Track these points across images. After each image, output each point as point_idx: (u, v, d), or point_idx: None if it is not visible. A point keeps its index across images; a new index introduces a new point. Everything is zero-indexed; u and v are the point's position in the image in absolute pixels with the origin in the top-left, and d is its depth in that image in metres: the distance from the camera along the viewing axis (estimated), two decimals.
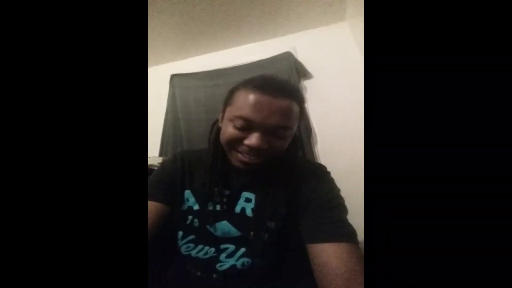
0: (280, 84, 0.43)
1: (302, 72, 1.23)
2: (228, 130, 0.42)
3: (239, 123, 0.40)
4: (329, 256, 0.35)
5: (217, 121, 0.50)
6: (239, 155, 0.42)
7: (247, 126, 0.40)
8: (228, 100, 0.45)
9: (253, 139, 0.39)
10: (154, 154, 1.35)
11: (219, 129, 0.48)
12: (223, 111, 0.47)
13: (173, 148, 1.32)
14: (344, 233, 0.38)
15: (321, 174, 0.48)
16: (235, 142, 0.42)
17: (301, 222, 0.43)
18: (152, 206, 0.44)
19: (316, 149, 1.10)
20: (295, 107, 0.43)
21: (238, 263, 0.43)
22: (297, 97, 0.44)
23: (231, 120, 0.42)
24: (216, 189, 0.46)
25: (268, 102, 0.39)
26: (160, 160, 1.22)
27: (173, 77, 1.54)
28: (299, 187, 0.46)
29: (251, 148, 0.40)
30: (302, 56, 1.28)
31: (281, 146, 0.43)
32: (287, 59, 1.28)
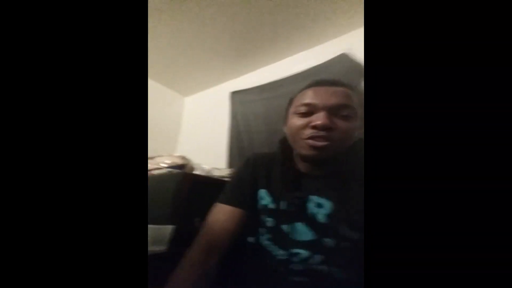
0: (332, 79, 0.49)
1: (362, 73, 1.18)
2: (294, 121, 0.47)
3: (303, 108, 0.45)
4: None
5: (284, 138, 0.55)
6: (308, 141, 0.43)
7: (310, 110, 0.44)
8: (289, 104, 0.53)
9: (319, 118, 0.42)
10: (222, 166, 1.50)
11: (285, 138, 0.53)
12: (286, 117, 0.52)
13: (239, 158, 1.44)
14: None
15: None
16: (302, 129, 0.45)
17: None
18: (230, 211, 0.50)
19: None
20: (353, 93, 0.46)
21: (314, 267, 0.44)
22: (352, 88, 0.47)
23: (294, 112, 0.47)
24: (289, 190, 0.48)
25: (325, 89, 0.45)
26: (228, 171, 1.35)
27: (233, 94, 1.70)
28: None
29: (318, 128, 0.42)
30: (360, 56, 1.22)
31: (347, 130, 0.43)
32: (344, 60, 1.25)
